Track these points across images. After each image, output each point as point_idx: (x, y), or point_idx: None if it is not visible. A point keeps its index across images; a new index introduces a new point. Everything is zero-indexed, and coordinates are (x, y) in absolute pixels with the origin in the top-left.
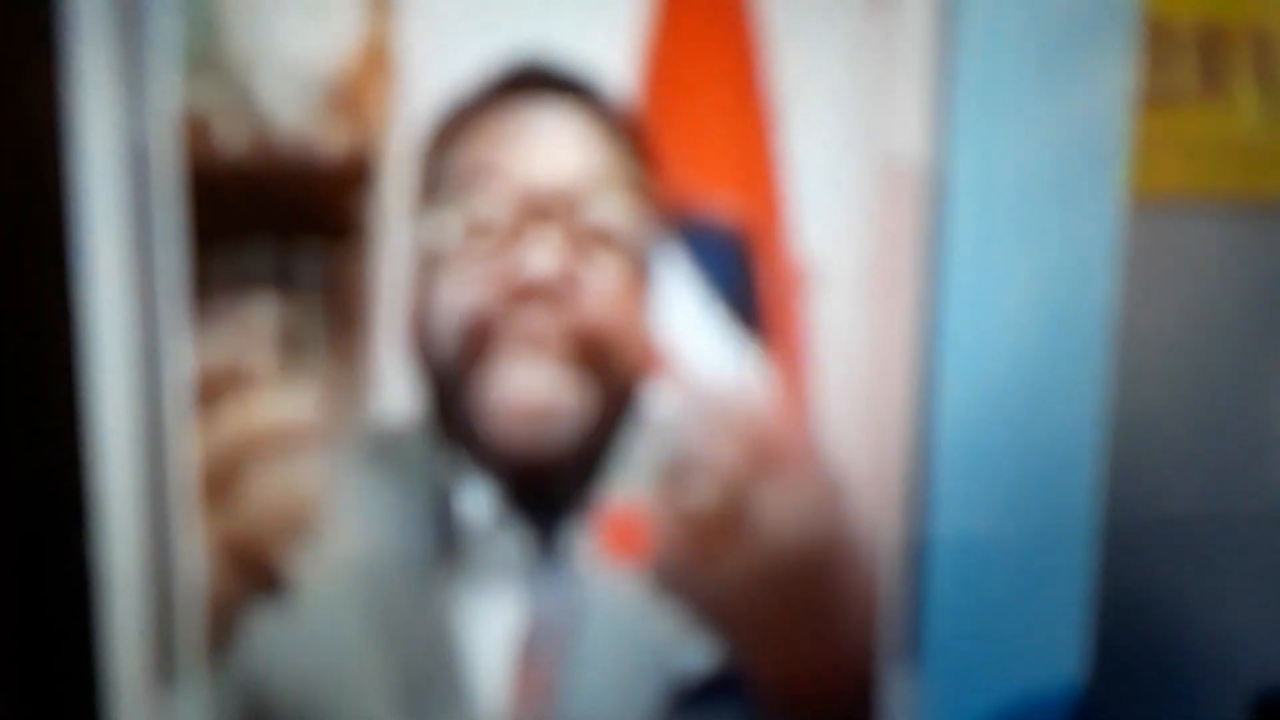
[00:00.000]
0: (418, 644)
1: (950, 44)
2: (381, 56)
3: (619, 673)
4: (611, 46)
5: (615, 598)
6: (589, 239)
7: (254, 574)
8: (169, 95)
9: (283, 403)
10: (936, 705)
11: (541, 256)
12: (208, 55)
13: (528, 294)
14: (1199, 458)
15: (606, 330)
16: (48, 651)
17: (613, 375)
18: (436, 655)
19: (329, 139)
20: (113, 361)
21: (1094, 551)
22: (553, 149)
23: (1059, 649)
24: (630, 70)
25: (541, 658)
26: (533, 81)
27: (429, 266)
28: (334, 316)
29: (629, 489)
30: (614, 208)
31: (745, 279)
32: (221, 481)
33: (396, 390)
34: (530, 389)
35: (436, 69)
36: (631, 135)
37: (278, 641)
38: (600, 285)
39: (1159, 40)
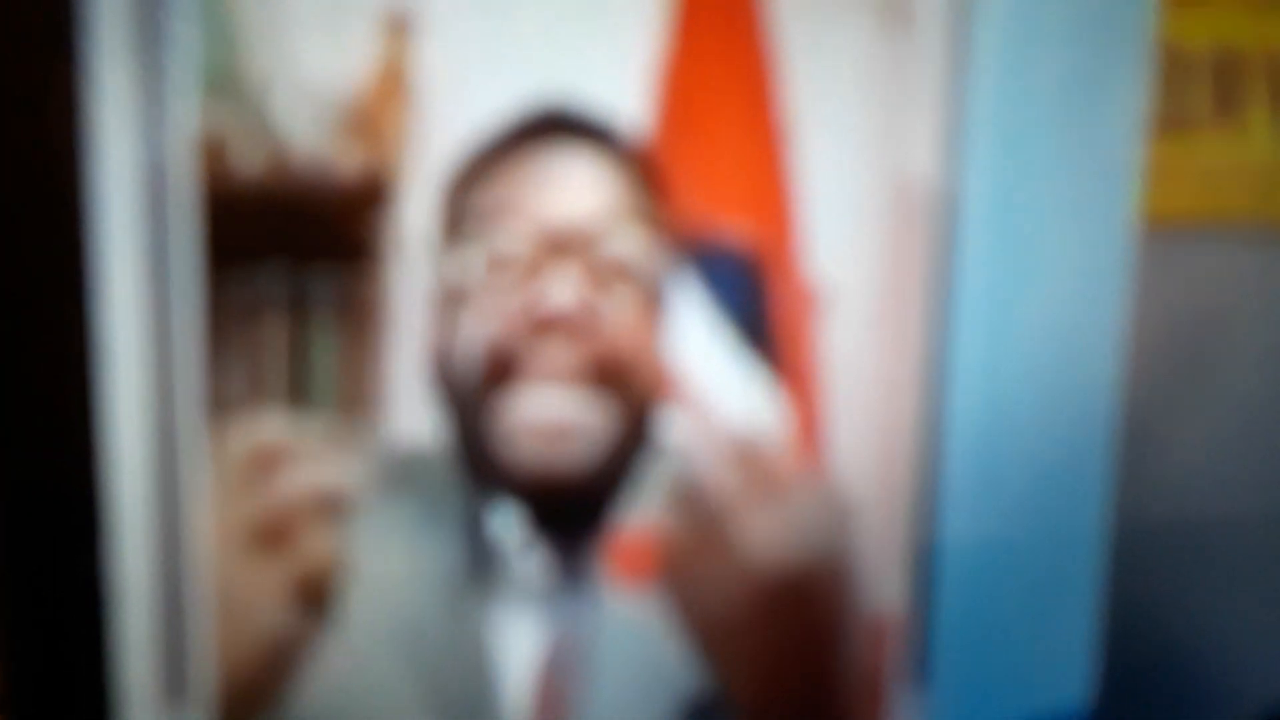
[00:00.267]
0: (449, 665)
1: (963, 67)
2: (399, 80)
3: (637, 692)
4: (625, 69)
5: (633, 619)
6: (607, 272)
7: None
8: (187, 117)
9: (327, 470)
10: None
11: (561, 290)
12: (226, 77)
13: (548, 326)
14: (1212, 485)
15: (624, 359)
16: (59, 666)
17: (630, 401)
18: (467, 676)
19: (346, 162)
20: (127, 380)
21: (1103, 572)
22: (570, 188)
23: (1068, 669)
24: (643, 93)
25: (563, 677)
26: (552, 126)
27: (453, 300)
28: (348, 339)
29: (642, 513)
30: (631, 242)
31: (757, 302)
32: (262, 543)
33: (412, 413)
34: (550, 409)
35: (454, 93)
36: (645, 170)
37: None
38: (618, 316)
39: (1173, 64)
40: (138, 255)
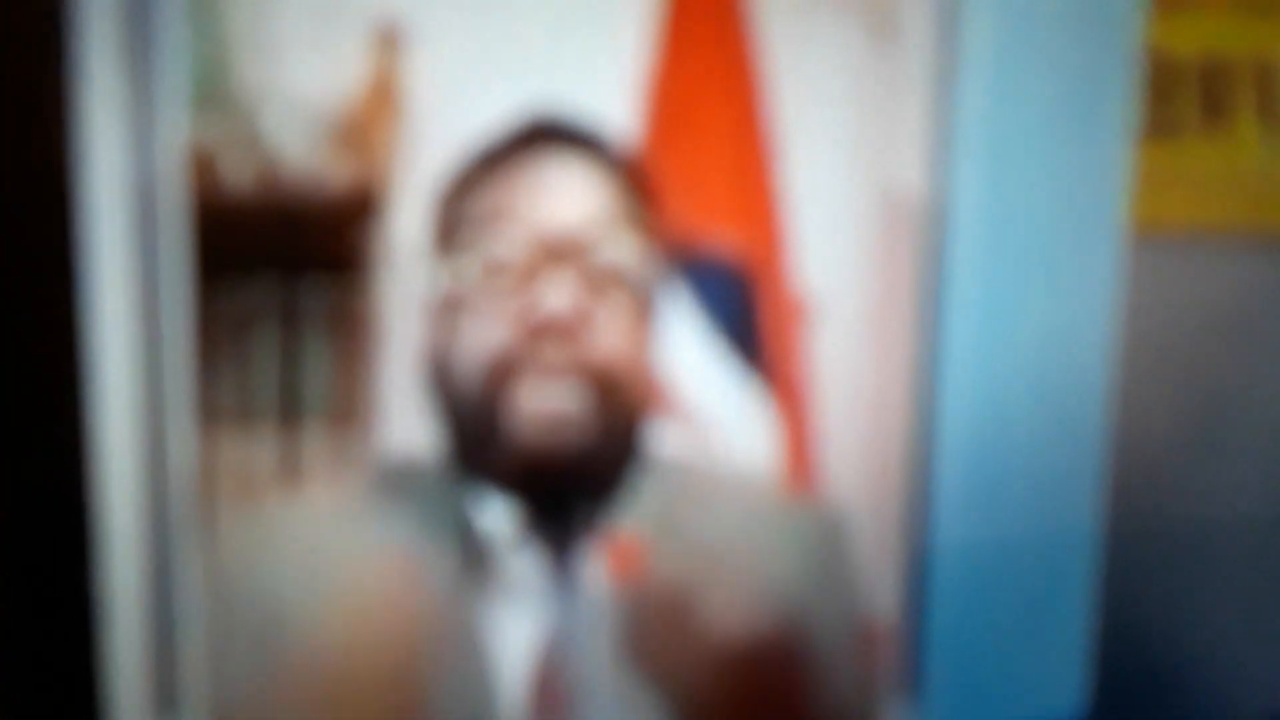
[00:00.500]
0: (446, 664)
1: (952, 77)
2: (389, 93)
3: (630, 685)
4: (615, 82)
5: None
6: (601, 278)
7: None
8: (178, 129)
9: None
10: None
11: (557, 295)
12: (217, 89)
13: (544, 330)
14: (1203, 490)
15: (618, 363)
16: (50, 681)
17: (622, 405)
18: (465, 673)
19: (336, 174)
20: (118, 392)
21: (1095, 578)
22: (565, 196)
23: (1061, 674)
24: (633, 106)
25: (558, 672)
26: (544, 135)
27: (450, 306)
28: (340, 350)
29: (634, 519)
30: (624, 249)
31: (747, 312)
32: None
33: (405, 422)
34: (547, 400)
35: (444, 105)
36: (636, 179)
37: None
38: (612, 321)
39: (1161, 72)
40: (128, 266)
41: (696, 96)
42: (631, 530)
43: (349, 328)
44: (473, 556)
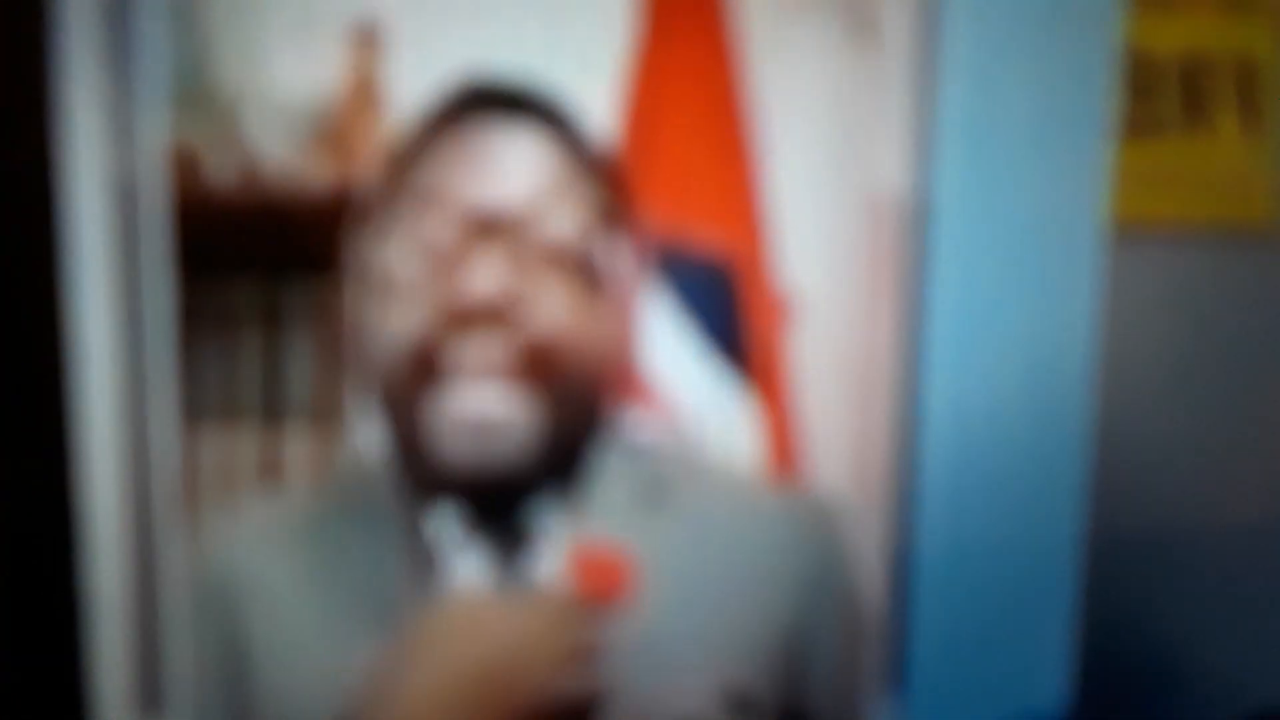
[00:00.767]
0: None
1: (933, 77)
2: (369, 93)
3: None
4: (595, 83)
5: None
6: (538, 257)
7: None
8: (159, 130)
9: None
10: None
11: (485, 276)
12: (197, 90)
13: (471, 316)
14: (1185, 491)
15: (559, 348)
16: (34, 679)
17: (568, 393)
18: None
19: (317, 174)
20: (101, 391)
21: (1078, 578)
22: (501, 168)
23: (1044, 674)
24: (613, 105)
25: None
26: (483, 101)
27: (380, 294)
28: (321, 349)
29: (604, 521)
30: (567, 224)
31: (729, 309)
32: None
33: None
34: (476, 404)
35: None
36: (589, 149)
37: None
38: (551, 303)
39: (1141, 71)
40: (111, 266)
41: (679, 95)
42: (601, 532)
43: (331, 326)
44: (420, 558)
